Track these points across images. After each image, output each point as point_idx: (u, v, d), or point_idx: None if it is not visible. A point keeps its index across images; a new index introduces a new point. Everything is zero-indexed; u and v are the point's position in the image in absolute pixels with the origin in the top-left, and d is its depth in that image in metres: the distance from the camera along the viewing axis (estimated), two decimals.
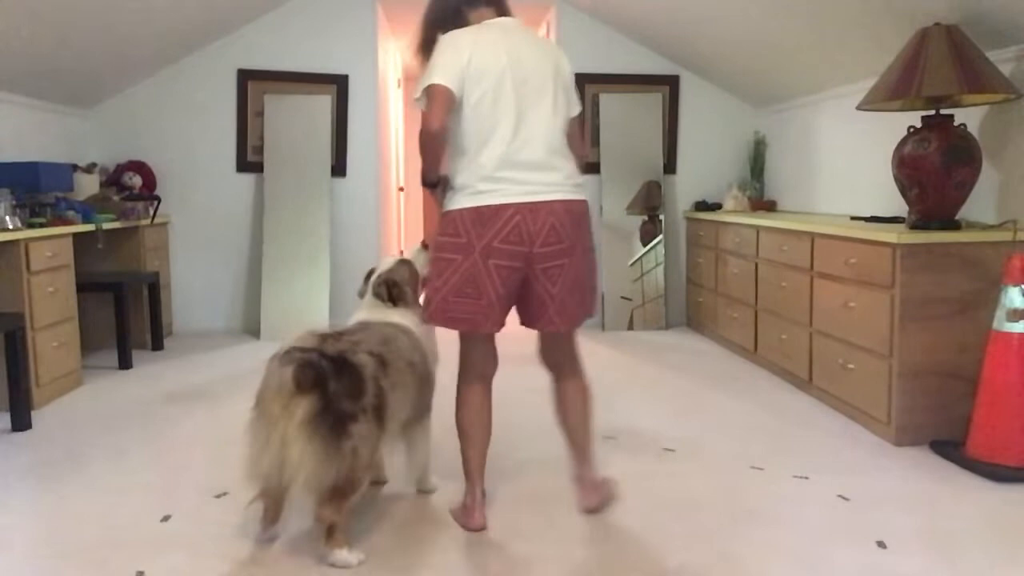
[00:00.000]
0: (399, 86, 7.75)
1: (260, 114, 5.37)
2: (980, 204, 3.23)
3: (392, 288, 2.53)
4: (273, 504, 2.22)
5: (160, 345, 4.89)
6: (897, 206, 3.54)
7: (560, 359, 2.44)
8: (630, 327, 5.50)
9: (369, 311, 2.51)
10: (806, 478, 2.71)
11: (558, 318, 2.30)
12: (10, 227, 3.45)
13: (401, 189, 7.89)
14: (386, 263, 2.62)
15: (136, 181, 5.11)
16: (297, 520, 2.39)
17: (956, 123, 3.07)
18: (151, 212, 4.92)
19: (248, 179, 5.45)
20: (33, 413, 3.39)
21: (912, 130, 3.17)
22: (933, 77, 2.97)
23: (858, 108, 3.40)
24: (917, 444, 3.01)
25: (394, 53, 6.99)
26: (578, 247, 2.27)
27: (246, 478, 2.12)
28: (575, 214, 2.26)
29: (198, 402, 3.71)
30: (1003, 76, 3.01)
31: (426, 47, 2.37)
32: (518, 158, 2.21)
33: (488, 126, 2.21)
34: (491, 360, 2.40)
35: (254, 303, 5.42)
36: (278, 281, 5.24)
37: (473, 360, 2.37)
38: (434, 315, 2.30)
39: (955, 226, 3.05)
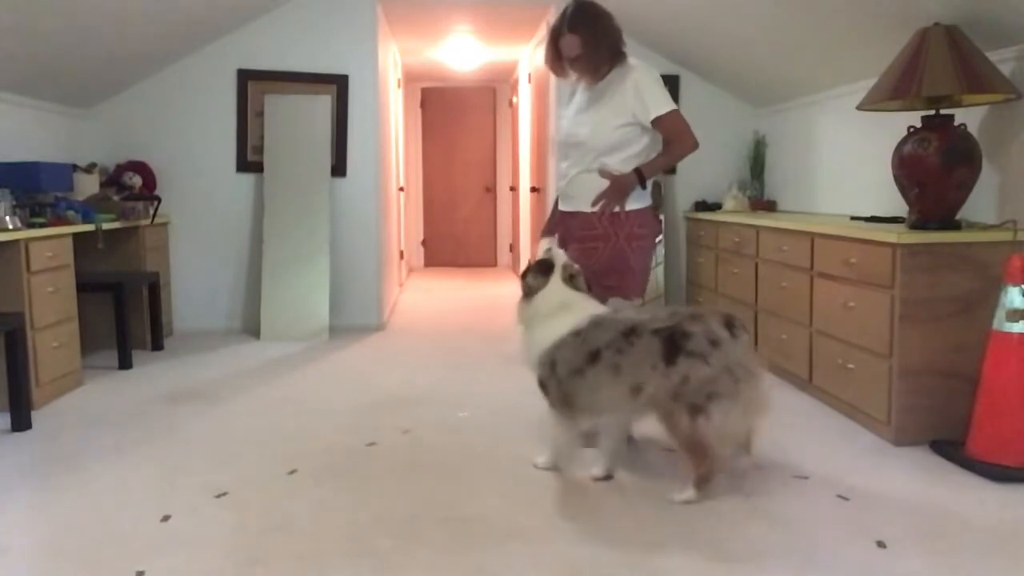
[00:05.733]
0: (399, 86, 7.75)
1: (260, 114, 5.37)
2: (980, 204, 3.23)
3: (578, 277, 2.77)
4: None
5: (160, 345, 4.89)
6: (897, 206, 3.53)
7: None
8: None
9: (580, 298, 2.70)
10: (806, 478, 2.71)
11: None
12: (10, 227, 3.44)
13: (401, 189, 7.89)
14: (559, 255, 2.78)
15: (136, 181, 5.11)
16: (296, 519, 2.39)
17: (956, 123, 3.07)
18: (151, 212, 4.92)
19: (248, 179, 5.45)
20: (33, 413, 3.39)
21: (912, 130, 3.17)
22: (933, 77, 2.97)
23: (858, 108, 3.40)
24: (917, 444, 3.01)
25: (394, 53, 6.99)
26: None
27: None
28: None
29: (198, 402, 3.71)
30: (1003, 76, 3.01)
31: (601, 68, 2.87)
32: None
33: None
34: None
35: (254, 303, 5.42)
36: (278, 281, 5.24)
37: None
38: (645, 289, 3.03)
39: (955, 226, 3.05)
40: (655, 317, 2.53)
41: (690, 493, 2.49)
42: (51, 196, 4.06)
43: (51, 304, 3.71)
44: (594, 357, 2.51)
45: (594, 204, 2.89)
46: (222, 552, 2.19)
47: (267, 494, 2.60)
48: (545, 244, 2.87)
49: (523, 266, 7.78)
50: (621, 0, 4.99)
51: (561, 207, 3.09)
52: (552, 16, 5.62)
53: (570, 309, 2.64)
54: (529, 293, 2.72)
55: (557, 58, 2.93)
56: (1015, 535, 2.27)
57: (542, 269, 2.73)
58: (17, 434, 3.24)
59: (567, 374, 2.56)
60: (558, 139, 3.10)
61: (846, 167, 4.50)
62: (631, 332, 2.49)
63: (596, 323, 2.57)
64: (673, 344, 2.43)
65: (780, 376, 4.06)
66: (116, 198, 4.77)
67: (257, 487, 2.66)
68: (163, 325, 4.99)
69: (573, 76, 2.99)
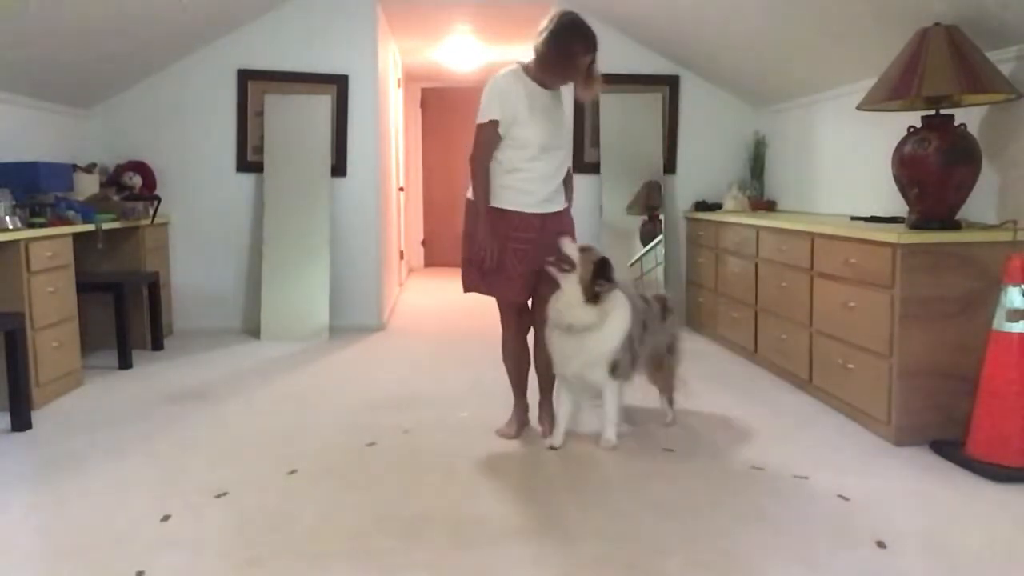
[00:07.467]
0: (399, 86, 7.75)
1: (260, 114, 5.37)
2: (980, 204, 3.23)
3: None
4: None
5: (160, 345, 4.89)
6: (897, 206, 3.53)
7: None
8: None
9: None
10: (806, 478, 2.71)
11: None
12: (10, 227, 3.44)
13: (401, 189, 7.89)
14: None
15: (136, 181, 5.11)
16: (296, 519, 2.39)
17: (956, 123, 3.07)
18: (151, 212, 4.92)
19: (248, 179, 5.45)
20: (33, 413, 3.39)
21: (912, 130, 3.17)
22: (933, 77, 2.97)
23: (858, 108, 3.40)
24: (917, 444, 3.00)
25: (394, 53, 6.99)
26: None
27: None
28: None
29: (198, 402, 3.71)
30: (1003, 76, 3.01)
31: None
32: None
33: None
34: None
35: (254, 303, 5.41)
36: (278, 281, 5.24)
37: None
38: None
39: (955, 226, 3.05)
40: (636, 291, 3.17)
41: (671, 416, 3.33)
42: (51, 196, 4.05)
43: (51, 304, 3.71)
44: (642, 317, 3.06)
45: (569, 202, 3.17)
46: (222, 552, 2.19)
47: (267, 494, 2.60)
48: (571, 244, 2.95)
49: None
50: (622, 1, 5.02)
51: (545, 209, 3.01)
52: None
53: (616, 294, 2.99)
54: (608, 291, 2.90)
55: (572, 73, 3.07)
56: (1014, 535, 2.27)
57: (608, 267, 2.91)
58: (17, 434, 3.24)
59: (640, 336, 3.01)
60: (537, 143, 2.98)
61: (846, 167, 4.49)
62: (643, 297, 3.14)
63: (628, 294, 3.06)
64: (664, 307, 3.24)
65: (780, 376, 4.06)
66: (116, 198, 4.76)
67: (257, 487, 2.66)
68: (163, 325, 4.99)
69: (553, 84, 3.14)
